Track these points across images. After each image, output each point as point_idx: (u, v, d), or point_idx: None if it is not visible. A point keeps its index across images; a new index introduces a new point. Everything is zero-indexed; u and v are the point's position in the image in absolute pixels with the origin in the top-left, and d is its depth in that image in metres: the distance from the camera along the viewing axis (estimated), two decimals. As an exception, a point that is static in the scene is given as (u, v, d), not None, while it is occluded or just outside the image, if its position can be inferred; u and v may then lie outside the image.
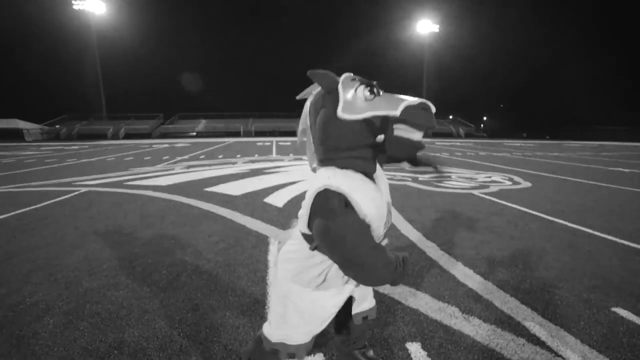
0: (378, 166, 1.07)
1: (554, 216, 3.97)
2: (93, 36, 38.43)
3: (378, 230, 0.99)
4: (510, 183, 6.36)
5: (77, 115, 37.94)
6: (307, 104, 1.05)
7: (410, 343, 1.68)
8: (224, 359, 1.57)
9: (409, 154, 0.91)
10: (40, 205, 4.58)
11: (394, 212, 4.15)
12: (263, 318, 1.87)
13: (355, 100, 0.90)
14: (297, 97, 1.10)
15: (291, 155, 12.13)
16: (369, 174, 1.00)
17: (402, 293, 2.14)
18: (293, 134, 36.31)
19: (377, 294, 2.12)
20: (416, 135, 0.88)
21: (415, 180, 6.60)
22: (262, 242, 3.08)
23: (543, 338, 1.69)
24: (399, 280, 0.96)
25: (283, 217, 3.87)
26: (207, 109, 43.38)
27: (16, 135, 28.85)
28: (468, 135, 39.51)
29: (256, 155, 12.31)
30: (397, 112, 0.85)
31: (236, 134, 35.94)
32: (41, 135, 31.20)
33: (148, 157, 11.76)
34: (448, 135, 39.49)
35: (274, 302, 1.15)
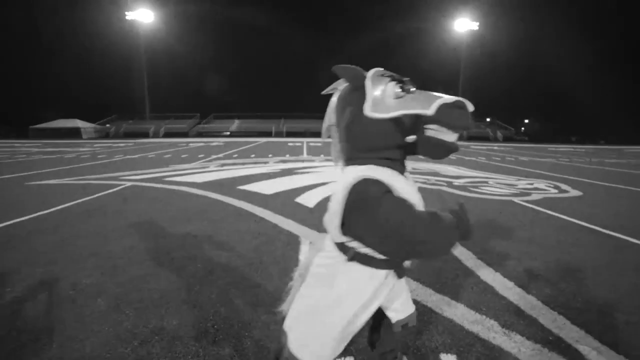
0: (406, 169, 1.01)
1: (609, 229, 3.62)
2: (141, 43, 41.40)
3: None
4: (556, 191, 5.91)
5: (124, 115, 40.93)
6: (333, 100, 1.00)
7: (445, 354, 1.61)
8: (255, 354, 1.60)
9: (441, 156, 0.84)
10: (94, 196, 4.99)
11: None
12: (293, 317, 1.89)
13: (384, 97, 0.83)
14: (322, 93, 1.06)
15: (322, 156, 12.18)
16: None
17: (436, 301, 2.06)
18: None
19: (409, 301, 2.06)
20: (450, 137, 0.81)
21: (450, 184, 6.35)
22: (293, 241, 3.12)
23: (598, 363, 1.55)
24: (467, 235, 0.89)
25: (314, 218, 3.89)
26: (240, 109, 44.87)
27: (75, 133, 31.80)
28: (507, 139, 37.30)
29: (287, 155, 12.50)
30: (430, 111, 0.76)
31: (268, 134, 36.78)
32: (94, 134, 34.05)
33: (185, 155, 12.38)
34: (485, 138, 37.53)
35: (302, 318, 1.01)
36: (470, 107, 0.77)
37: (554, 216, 4.15)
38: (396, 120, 0.85)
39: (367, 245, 0.89)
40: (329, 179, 6.71)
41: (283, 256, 2.75)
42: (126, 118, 40.58)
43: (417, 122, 0.84)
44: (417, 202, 0.93)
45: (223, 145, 19.60)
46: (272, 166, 8.94)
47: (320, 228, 3.45)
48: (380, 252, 0.90)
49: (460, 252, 2.87)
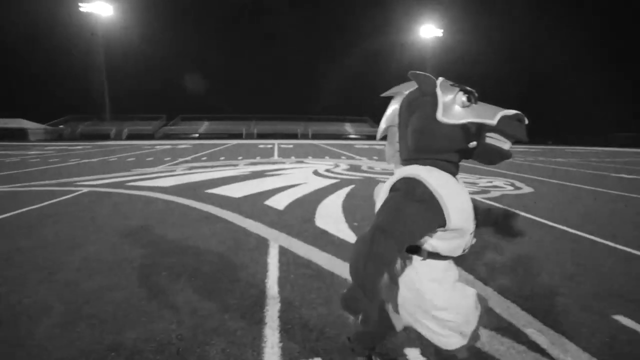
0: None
1: (555, 222, 3.94)
2: (98, 37, 38.84)
3: (467, 228, 0.98)
4: (512, 188, 6.34)
5: (80, 115, 38.17)
6: (395, 104, 1.06)
7: (409, 349, 1.66)
8: (221, 362, 1.56)
9: (496, 162, 0.93)
10: (43, 204, 4.60)
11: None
12: (261, 322, 1.87)
13: (453, 105, 0.92)
14: (382, 95, 1.12)
15: (293, 158, 12.15)
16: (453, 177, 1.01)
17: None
18: (295, 136, 36.42)
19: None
20: (505, 145, 0.90)
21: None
22: (262, 244, 3.08)
23: (544, 345, 1.68)
24: (351, 307, 0.92)
25: (284, 220, 3.87)
26: (209, 110, 43.55)
27: (21, 135, 29.08)
28: (470, 140, 39.39)
29: (258, 157, 12.33)
30: (494, 122, 0.87)
31: (238, 136, 36.05)
32: (44, 135, 31.42)
33: (150, 158, 11.81)
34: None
35: (428, 320, 1.05)
36: (526, 121, 0.87)
37: (510, 212, 4.44)
38: (463, 127, 0.92)
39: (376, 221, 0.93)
40: (300, 181, 6.71)
41: (251, 260, 2.71)
42: (83, 119, 37.90)
43: (479, 130, 0.91)
44: (467, 204, 0.99)
45: (191, 147, 18.92)
46: (242, 169, 8.77)
47: (290, 230, 3.46)
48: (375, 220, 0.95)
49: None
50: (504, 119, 0.87)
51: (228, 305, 2.04)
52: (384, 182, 1.06)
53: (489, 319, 1.91)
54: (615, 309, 2.03)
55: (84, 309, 1.97)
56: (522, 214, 4.35)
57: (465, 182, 6.91)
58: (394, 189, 0.95)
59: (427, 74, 0.95)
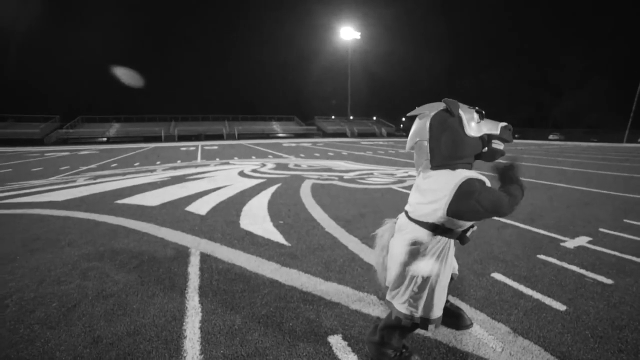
0: None
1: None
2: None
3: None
4: (422, 177, 7.12)
5: None
6: (424, 121, 1.31)
7: (332, 336, 1.75)
8: (131, 389, 1.41)
9: (497, 159, 1.30)
10: None
11: (321, 212, 4.28)
12: (180, 337, 1.74)
13: (471, 122, 1.25)
14: (409, 115, 1.39)
15: (217, 159, 11.56)
16: None
17: (325, 289, 2.22)
18: (220, 137, 34.65)
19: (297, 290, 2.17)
20: (501, 146, 1.29)
21: (341, 178, 6.92)
22: (181, 253, 2.87)
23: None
24: (523, 189, 1.29)
25: (206, 225, 3.66)
26: (120, 111, 38.46)
27: None
28: (390, 135, 43.05)
29: (179, 161, 11.39)
30: (498, 131, 1.27)
31: (157, 139, 32.74)
32: None
33: (38, 168, 9.89)
34: (371, 134, 42.43)
35: (408, 284, 1.34)
36: (511, 128, 1.30)
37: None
38: (481, 138, 1.28)
39: (466, 219, 1.23)
40: (224, 183, 6.43)
41: (169, 272, 2.50)
42: None
43: (489, 138, 1.28)
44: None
45: (97, 153, 16.47)
46: (161, 174, 8.00)
47: (212, 236, 3.29)
48: (474, 220, 1.26)
49: (347, 239, 3.17)
50: (502, 128, 1.27)
51: (141, 325, 1.85)
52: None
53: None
54: (492, 269, 2.47)
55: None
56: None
57: (384, 174, 7.53)
58: (467, 190, 1.16)
59: (454, 100, 1.28)
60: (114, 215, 4.19)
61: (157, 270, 2.55)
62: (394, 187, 5.93)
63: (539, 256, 2.72)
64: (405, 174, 7.56)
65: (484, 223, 3.66)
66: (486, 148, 1.29)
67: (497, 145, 1.29)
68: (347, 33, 46.70)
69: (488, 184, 1.23)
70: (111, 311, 2.00)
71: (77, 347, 1.67)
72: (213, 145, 22.03)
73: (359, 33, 47.40)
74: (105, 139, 32.50)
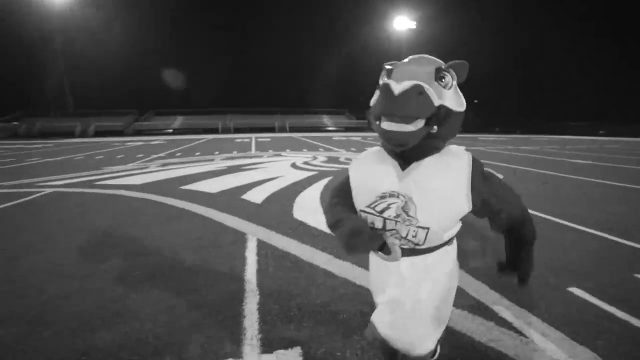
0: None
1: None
2: (53, 26, 36.08)
3: None
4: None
5: (35, 111, 35.50)
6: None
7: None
8: (200, 357, 1.54)
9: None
10: (1, 206, 4.29)
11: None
12: (240, 315, 1.86)
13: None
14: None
15: (270, 151, 12.01)
16: None
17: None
18: (272, 130, 35.95)
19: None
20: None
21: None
22: (240, 238, 3.05)
23: (509, 319, 1.79)
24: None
25: (261, 213, 3.84)
26: (184, 105, 42.06)
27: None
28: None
29: (235, 152, 12.10)
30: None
31: (214, 131, 35.14)
32: (-3, 133, 29.05)
33: (121, 156, 11.28)
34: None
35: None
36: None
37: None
38: None
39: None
40: (277, 174, 6.66)
41: (229, 255, 2.68)
42: (39, 115, 35.19)
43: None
44: None
45: (165, 143, 18.24)
46: (218, 164, 8.58)
47: (268, 223, 3.44)
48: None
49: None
50: None
51: (206, 300, 2.01)
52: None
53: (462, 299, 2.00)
54: (569, 282, 2.20)
55: (49, 316, 1.88)
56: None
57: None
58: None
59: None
60: (180, 199, 4.60)
61: (219, 252, 2.74)
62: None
63: (637, 275, 2.34)
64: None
65: (548, 227, 3.28)
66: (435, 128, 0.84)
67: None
68: (401, 23, 44.77)
69: None
70: (180, 285, 2.20)
71: (156, 312, 1.88)
72: (266, 137, 22.97)
73: (415, 22, 45.17)
74: (171, 130, 35.82)
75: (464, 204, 0.88)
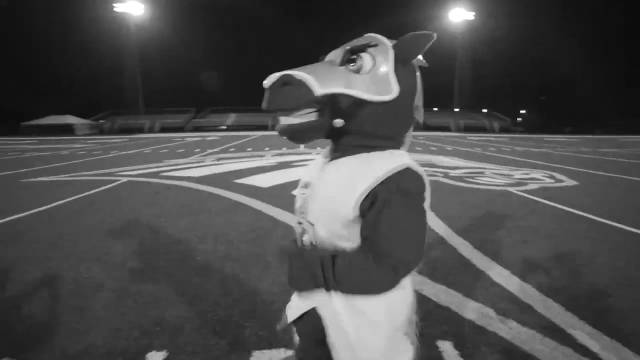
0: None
1: (603, 217, 3.66)
2: (132, 36, 40.80)
3: None
4: (552, 181, 5.96)
5: (118, 111, 40.53)
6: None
7: (442, 341, 1.63)
8: (255, 343, 1.61)
9: None
10: (90, 192, 4.96)
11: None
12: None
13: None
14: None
15: (319, 149, 12.15)
16: None
17: (434, 291, 2.09)
18: (320, 128, 36.15)
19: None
20: None
21: (446, 175, 6.37)
22: (290, 233, 3.12)
23: (595, 350, 1.55)
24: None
25: (311, 210, 3.90)
26: (237, 103, 44.59)
27: (68, 129, 31.47)
28: (504, 130, 37.42)
29: (284, 148, 12.46)
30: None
31: (265, 128, 36.61)
32: (89, 130, 33.71)
33: (182, 150, 12.30)
34: (481, 129, 37.62)
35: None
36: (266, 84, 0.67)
37: (550, 205, 4.19)
38: None
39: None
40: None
41: (280, 248, 2.76)
42: (120, 114, 40.17)
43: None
44: None
45: (220, 139, 19.48)
46: (269, 160, 8.91)
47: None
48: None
49: (457, 242, 2.90)
50: None
51: (261, 290, 2.10)
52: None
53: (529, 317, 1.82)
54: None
55: (131, 288, 2.12)
56: (567, 209, 4.07)
57: (499, 174, 6.58)
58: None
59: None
60: (234, 192, 4.87)
61: (272, 244, 2.85)
62: (512, 190, 5.12)
63: None
64: (527, 176, 6.44)
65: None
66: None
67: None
68: (458, 14, 42.02)
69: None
70: (237, 273, 2.33)
71: (216, 296, 2.01)
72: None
73: (473, 13, 42.10)
74: (225, 127, 38.12)
75: (348, 211, 0.69)
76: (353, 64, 0.68)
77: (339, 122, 0.68)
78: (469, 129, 37.17)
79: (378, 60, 0.68)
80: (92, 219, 3.61)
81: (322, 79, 0.65)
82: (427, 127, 37.83)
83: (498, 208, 4.05)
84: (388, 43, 0.70)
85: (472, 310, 1.88)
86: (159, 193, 4.92)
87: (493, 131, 36.84)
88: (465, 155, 10.76)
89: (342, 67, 0.68)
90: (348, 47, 0.69)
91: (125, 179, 6.07)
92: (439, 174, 6.52)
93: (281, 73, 0.66)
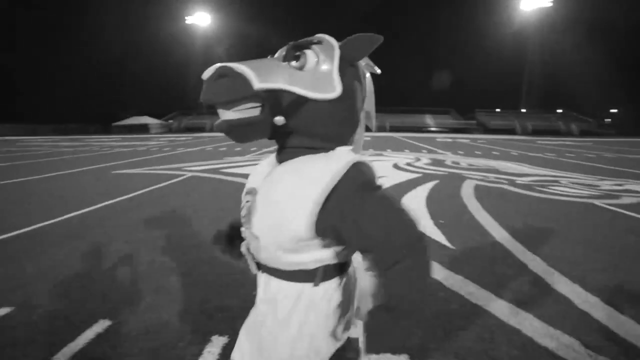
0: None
1: None
2: (197, 44, 44.96)
3: None
4: (649, 194, 5.04)
5: (184, 111, 44.75)
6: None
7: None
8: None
9: None
10: (162, 184, 5.56)
11: (488, 217, 3.70)
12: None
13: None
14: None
15: (371, 150, 11.97)
16: None
17: (499, 308, 1.89)
18: (369, 129, 35.70)
19: (468, 310, 1.93)
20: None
21: (512, 183, 5.78)
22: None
23: None
24: None
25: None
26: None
27: (144, 128, 35.81)
28: (585, 133, 32.88)
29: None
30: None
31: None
32: (160, 129, 37.81)
33: (239, 148, 13.07)
34: (554, 132, 33.52)
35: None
36: (204, 76, 0.62)
37: None
38: None
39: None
40: (379, 174, 6.56)
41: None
42: (186, 114, 44.26)
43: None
44: None
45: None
46: (321, 160, 9.00)
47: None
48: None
49: (525, 257, 2.60)
50: None
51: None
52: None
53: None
54: None
55: (198, 275, 2.31)
56: (667, 226, 3.41)
57: (579, 184, 5.77)
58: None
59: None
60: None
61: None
62: (598, 202, 4.45)
63: None
64: (619, 187, 5.54)
65: None
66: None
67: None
68: (529, 2, 37.82)
69: None
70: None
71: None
72: (366, 136, 22.97)
73: (550, 0, 37.58)
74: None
75: (299, 224, 0.62)
76: (296, 61, 0.65)
77: (279, 120, 0.64)
78: (538, 132, 33.43)
79: (321, 57, 0.66)
80: (165, 208, 4.02)
81: (262, 73, 0.61)
82: (486, 130, 34.91)
83: (578, 222, 3.54)
84: (334, 42, 0.68)
85: (549, 336, 1.66)
86: (216, 188, 5.27)
87: (570, 134, 32.65)
88: (534, 160, 9.68)
89: (285, 63, 0.65)
90: (292, 43, 0.67)
91: (189, 174, 6.64)
92: (503, 181, 5.94)
93: (220, 64, 0.62)
